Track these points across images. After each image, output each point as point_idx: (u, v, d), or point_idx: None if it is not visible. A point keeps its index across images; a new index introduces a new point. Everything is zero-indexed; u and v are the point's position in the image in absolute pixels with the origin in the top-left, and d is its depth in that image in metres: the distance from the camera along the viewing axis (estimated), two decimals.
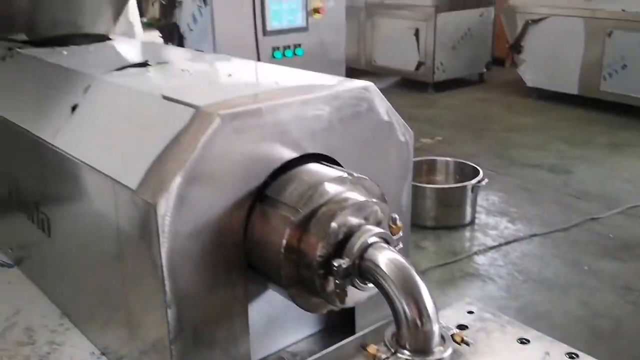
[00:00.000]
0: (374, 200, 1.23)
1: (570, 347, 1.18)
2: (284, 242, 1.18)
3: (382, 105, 1.41)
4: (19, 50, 1.91)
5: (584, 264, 3.41)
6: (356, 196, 1.21)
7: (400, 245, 1.23)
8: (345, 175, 1.24)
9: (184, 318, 1.18)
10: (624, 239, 3.68)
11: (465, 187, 3.94)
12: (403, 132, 1.47)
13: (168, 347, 1.18)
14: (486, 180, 3.97)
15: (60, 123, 1.46)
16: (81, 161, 1.34)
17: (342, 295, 1.19)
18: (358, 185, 1.25)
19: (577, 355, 1.16)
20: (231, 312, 1.26)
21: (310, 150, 1.30)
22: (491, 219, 4.05)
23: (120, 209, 1.22)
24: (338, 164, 1.35)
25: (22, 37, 2.04)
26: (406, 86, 7.46)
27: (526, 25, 6.66)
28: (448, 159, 4.45)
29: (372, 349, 1.13)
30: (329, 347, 1.43)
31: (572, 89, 6.36)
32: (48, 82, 1.67)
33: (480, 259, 3.57)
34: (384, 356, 1.11)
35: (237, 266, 1.25)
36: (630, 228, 3.82)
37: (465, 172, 4.19)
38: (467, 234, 3.93)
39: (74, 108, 1.46)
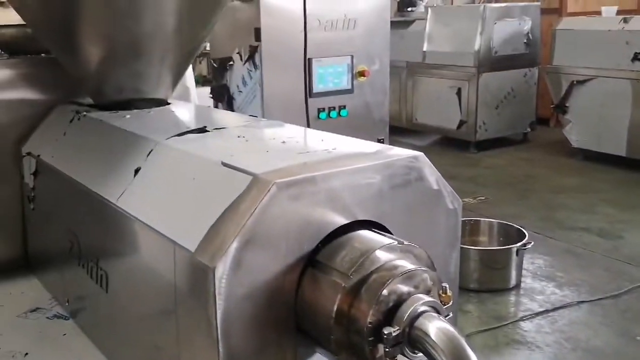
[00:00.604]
0: (424, 268, 1.25)
1: None
2: (335, 307, 1.20)
3: (432, 174, 1.45)
4: (85, 113, 2.03)
5: (635, 334, 3.29)
6: (406, 264, 1.24)
7: (450, 314, 1.25)
8: (396, 243, 1.27)
9: None
10: None
11: (510, 249, 3.89)
12: (452, 200, 1.50)
13: None
14: (532, 243, 3.91)
15: (124, 185, 1.54)
16: (142, 222, 1.41)
17: None
18: (408, 253, 1.28)
19: None
20: None
21: (361, 217, 1.34)
22: (537, 284, 3.97)
23: (178, 270, 1.28)
24: (387, 231, 1.38)
25: (88, 100, 2.18)
26: (447, 145, 7.49)
27: (571, 86, 6.66)
28: (492, 220, 4.42)
29: None
30: None
31: (620, 150, 6.27)
32: (113, 144, 1.78)
33: (526, 325, 3.49)
34: None
35: (287, 329, 1.28)
36: None
37: (510, 234, 4.15)
38: (512, 298, 3.85)
39: (137, 171, 1.55)
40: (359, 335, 1.19)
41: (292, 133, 1.69)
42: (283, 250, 1.25)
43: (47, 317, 1.93)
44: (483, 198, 5.64)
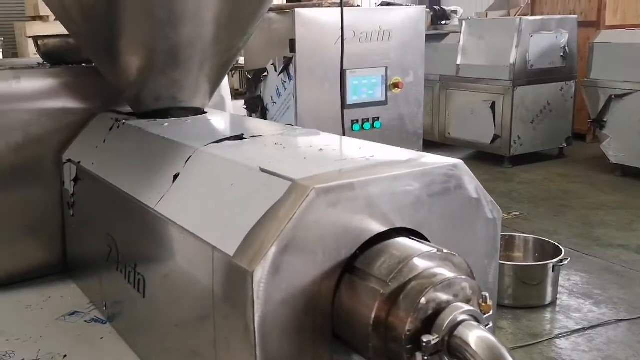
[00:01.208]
0: (463, 277, 1.23)
1: None
2: (373, 314, 1.19)
3: (471, 183, 1.43)
4: (124, 121, 2.07)
5: None
6: (445, 272, 1.22)
7: (490, 324, 1.22)
8: (435, 250, 1.26)
9: None
10: None
11: (546, 265, 3.81)
12: (491, 209, 1.48)
13: None
14: (569, 259, 3.82)
15: (163, 190, 1.56)
16: (181, 226, 1.42)
17: None
18: (447, 261, 1.26)
19: None
20: None
21: (399, 225, 1.33)
22: (573, 301, 3.87)
23: (216, 274, 1.29)
24: (426, 239, 1.37)
25: (127, 109, 2.22)
26: (481, 159, 7.40)
27: (609, 100, 6.53)
28: (527, 235, 4.34)
29: None
30: None
31: None
32: (151, 151, 1.80)
33: (562, 343, 3.40)
34: None
35: (324, 335, 1.27)
36: None
37: (546, 250, 4.06)
38: (548, 315, 3.76)
39: (175, 177, 1.57)
40: (397, 343, 1.18)
41: (329, 141, 1.69)
42: (321, 256, 1.24)
43: (85, 321, 1.95)
44: (518, 213, 5.55)
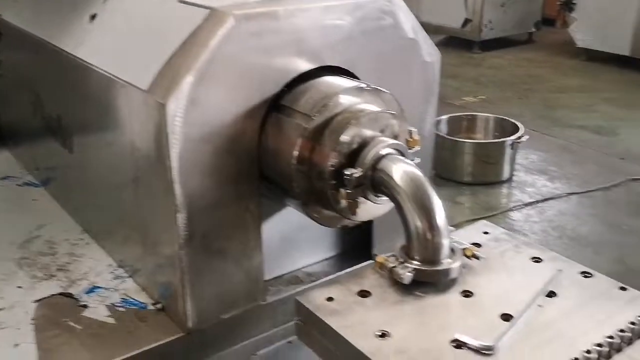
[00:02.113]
0: (391, 112, 1.18)
1: (584, 267, 1.13)
2: (297, 150, 1.15)
3: (408, 21, 1.35)
4: None
5: (621, 223, 3.29)
6: (373, 107, 1.17)
7: (418, 159, 1.19)
8: (363, 86, 1.20)
9: (194, 224, 1.17)
10: None
11: (504, 142, 3.82)
12: (429, 51, 1.41)
13: (178, 252, 1.18)
14: (526, 136, 3.84)
15: (80, 33, 1.45)
16: (98, 68, 1.33)
17: (354, 206, 1.16)
18: (376, 97, 1.21)
19: (591, 274, 1.11)
20: (244, 224, 1.25)
21: (329, 62, 1.26)
22: (529, 177, 3.94)
23: (133, 113, 1.21)
24: (357, 79, 1.30)
25: None
26: (452, 44, 7.25)
27: None
28: (488, 115, 4.32)
29: (380, 258, 1.10)
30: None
31: (624, 49, 6.08)
32: None
33: (515, 215, 3.49)
34: (391, 265, 1.08)
35: (250, 177, 1.23)
36: None
37: (506, 129, 4.07)
38: (504, 190, 3.83)
39: (93, 17, 1.45)
40: (321, 179, 1.14)
41: None
42: (244, 92, 1.17)
43: (18, 185, 1.89)
44: (484, 97, 5.52)
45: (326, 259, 1.51)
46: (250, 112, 1.19)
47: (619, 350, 0.91)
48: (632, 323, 0.93)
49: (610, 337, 0.90)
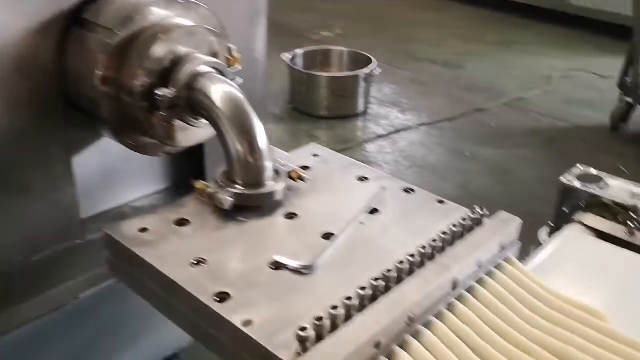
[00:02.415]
0: (208, 27, 1.09)
1: (408, 184, 1.14)
2: (100, 70, 1.03)
3: None
4: None
5: (465, 151, 3.49)
6: (186, 22, 1.07)
7: (240, 80, 1.12)
8: None
9: None
10: (505, 127, 3.78)
11: (357, 75, 3.87)
12: None
13: None
14: (379, 69, 3.90)
15: None
16: None
17: (170, 130, 1.07)
18: (191, 11, 1.11)
19: (414, 190, 1.13)
20: (48, 155, 1.12)
21: None
22: (383, 110, 4.03)
23: None
24: None
25: None
26: None
27: None
28: (343, 48, 4.34)
29: (200, 184, 1.04)
30: None
31: None
32: None
33: (369, 147, 3.57)
34: (211, 190, 1.01)
35: (50, 102, 1.09)
36: (512, 118, 3.93)
37: (360, 63, 4.10)
38: (360, 123, 3.90)
39: None
40: (131, 101, 1.04)
41: None
42: (33, 4, 1.02)
43: None
44: (340, 32, 5.53)
45: (157, 192, 1.42)
46: (44, 28, 1.04)
47: (431, 258, 0.92)
48: (444, 233, 0.95)
49: (423, 247, 0.91)
